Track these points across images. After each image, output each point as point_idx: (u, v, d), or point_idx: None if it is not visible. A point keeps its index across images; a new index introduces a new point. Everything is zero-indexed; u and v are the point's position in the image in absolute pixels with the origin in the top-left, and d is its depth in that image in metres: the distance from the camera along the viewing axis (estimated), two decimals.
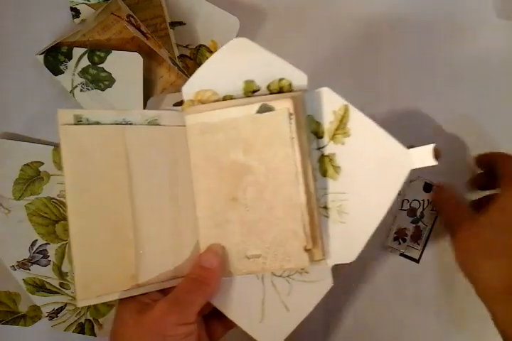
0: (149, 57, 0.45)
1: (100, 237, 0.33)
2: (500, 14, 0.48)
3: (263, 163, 0.35)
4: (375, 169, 0.34)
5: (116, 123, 0.34)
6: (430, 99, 0.46)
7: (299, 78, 0.36)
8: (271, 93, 0.36)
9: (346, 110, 0.35)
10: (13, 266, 0.44)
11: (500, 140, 0.46)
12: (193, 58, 0.47)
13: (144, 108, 0.45)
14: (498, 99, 0.47)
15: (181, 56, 0.47)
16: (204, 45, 0.47)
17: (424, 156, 0.32)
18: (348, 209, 0.35)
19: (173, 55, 0.45)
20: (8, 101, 0.46)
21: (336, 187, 0.35)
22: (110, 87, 0.44)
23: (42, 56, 0.44)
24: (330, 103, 0.35)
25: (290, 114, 0.34)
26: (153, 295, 0.34)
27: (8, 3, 0.47)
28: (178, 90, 0.38)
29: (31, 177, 0.45)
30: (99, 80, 0.44)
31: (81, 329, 0.45)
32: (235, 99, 0.36)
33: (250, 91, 0.36)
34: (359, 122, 0.35)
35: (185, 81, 0.45)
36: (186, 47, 0.47)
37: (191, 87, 0.37)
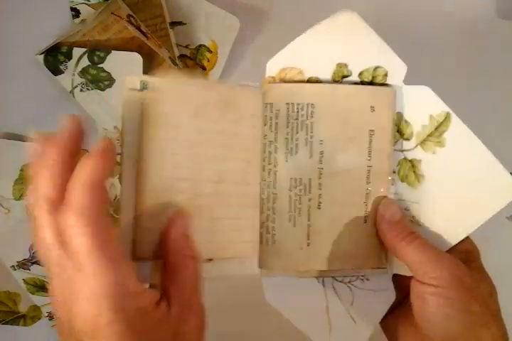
0: (149, 57, 0.45)
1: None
2: (500, 14, 0.48)
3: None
4: (468, 190, 0.32)
5: None
6: None
7: (397, 68, 0.32)
8: (361, 81, 0.33)
9: (447, 118, 0.32)
10: (13, 266, 0.44)
11: None
12: (193, 58, 0.47)
13: None
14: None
15: (181, 56, 0.47)
16: (204, 45, 0.47)
17: None
18: (421, 222, 0.33)
19: (173, 55, 0.45)
20: (8, 101, 0.46)
21: (414, 195, 0.33)
22: (110, 87, 0.44)
23: (42, 56, 0.44)
24: (427, 105, 0.32)
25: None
26: None
27: (7, 3, 0.47)
28: None
29: None
30: (99, 80, 0.44)
31: None
32: (320, 82, 0.33)
33: (340, 76, 0.33)
34: (460, 135, 0.32)
35: None
36: (186, 47, 0.47)
37: (277, 62, 0.33)
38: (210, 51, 0.46)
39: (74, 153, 0.26)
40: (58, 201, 0.25)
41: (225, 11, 0.45)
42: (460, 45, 0.48)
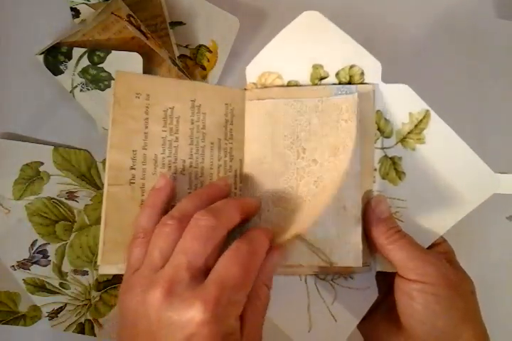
0: (149, 58, 0.45)
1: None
2: (501, 14, 0.48)
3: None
4: (449, 185, 0.33)
5: None
6: None
7: (371, 66, 0.33)
8: (339, 82, 0.34)
9: (426, 116, 0.33)
10: (13, 266, 0.44)
11: None
12: (193, 58, 0.47)
13: None
14: None
15: (181, 56, 0.47)
16: (204, 45, 0.47)
17: None
18: (404, 218, 0.33)
19: (173, 55, 0.45)
20: (8, 101, 0.46)
21: (396, 192, 0.34)
22: (110, 87, 0.44)
23: (42, 56, 0.44)
24: (406, 103, 0.33)
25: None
26: None
27: (7, 3, 0.47)
28: None
29: (31, 177, 0.45)
30: (99, 80, 0.44)
31: (81, 329, 0.45)
32: (300, 85, 0.34)
33: (318, 78, 0.34)
34: (439, 132, 0.33)
35: None
36: (186, 47, 0.47)
37: (255, 68, 0.34)
38: (210, 51, 0.46)
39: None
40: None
41: (225, 11, 0.45)
42: (460, 45, 0.48)
